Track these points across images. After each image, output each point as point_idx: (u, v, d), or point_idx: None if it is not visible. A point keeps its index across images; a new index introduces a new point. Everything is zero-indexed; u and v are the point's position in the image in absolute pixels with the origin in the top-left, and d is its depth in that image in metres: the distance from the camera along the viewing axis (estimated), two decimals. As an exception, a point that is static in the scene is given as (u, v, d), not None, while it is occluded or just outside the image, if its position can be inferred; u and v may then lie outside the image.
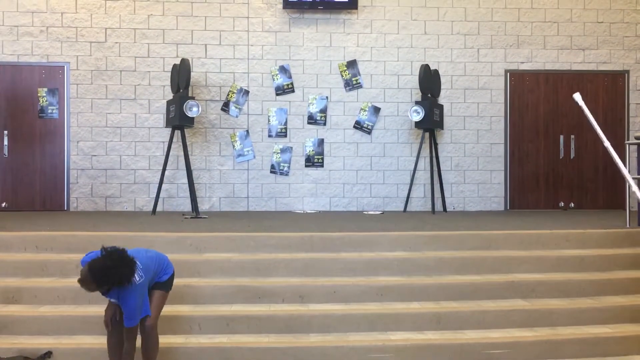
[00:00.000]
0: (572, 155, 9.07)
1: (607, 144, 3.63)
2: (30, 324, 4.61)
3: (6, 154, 8.43)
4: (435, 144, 8.61)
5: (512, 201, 9.10)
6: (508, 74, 9.08)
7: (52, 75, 8.59)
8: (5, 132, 8.43)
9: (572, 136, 9.05)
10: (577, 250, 5.65)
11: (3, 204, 8.44)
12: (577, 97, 3.62)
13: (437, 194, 8.66)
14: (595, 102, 9.12)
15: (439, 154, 8.77)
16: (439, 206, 8.63)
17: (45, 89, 8.58)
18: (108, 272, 3.62)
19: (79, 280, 3.68)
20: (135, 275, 3.75)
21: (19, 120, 8.53)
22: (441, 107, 8.63)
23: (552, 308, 4.94)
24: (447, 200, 8.80)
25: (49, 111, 8.60)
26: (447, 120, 8.89)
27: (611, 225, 6.39)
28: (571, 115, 9.07)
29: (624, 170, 3.52)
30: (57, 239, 5.48)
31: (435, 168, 8.61)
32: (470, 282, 5.26)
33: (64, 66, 8.59)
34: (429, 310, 4.94)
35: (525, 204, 9.05)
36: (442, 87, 8.81)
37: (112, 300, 3.90)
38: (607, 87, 9.16)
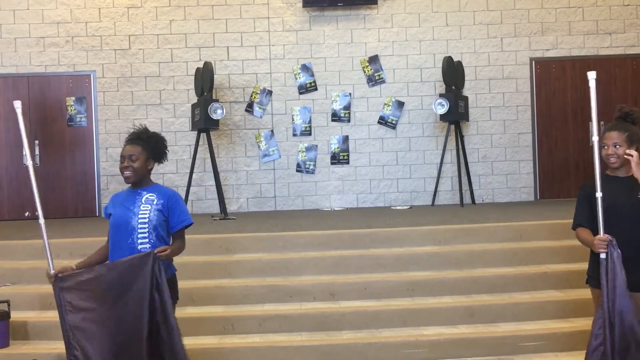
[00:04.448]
0: (602, 141, 8.90)
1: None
2: (67, 329, 4.70)
3: (38, 163, 8.60)
4: (461, 136, 8.53)
5: (542, 191, 8.97)
6: (533, 62, 8.94)
7: (79, 84, 8.74)
8: (37, 141, 8.60)
9: (602, 122, 8.85)
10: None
11: (36, 212, 8.60)
12: (591, 75, 3.51)
13: (465, 187, 8.57)
14: (623, 87, 8.93)
15: (465, 146, 8.68)
16: (467, 199, 8.55)
17: (73, 98, 8.73)
18: (157, 135, 3.66)
19: (128, 139, 3.59)
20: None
21: (49, 130, 8.70)
22: (466, 98, 8.54)
23: (588, 298, 4.84)
24: (475, 193, 8.71)
25: (78, 119, 8.75)
26: (472, 112, 8.80)
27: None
28: (600, 102, 8.80)
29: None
30: (90, 245, 5.53)
31: (462, 160, 8.53)
32: (502, 275, 5.21)
33: (90, 75, 8.74)
34: (461, 304, 4.91)
35: (555, 193, 8.91)
36: (466, 78, 8.72)
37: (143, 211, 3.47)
38: (635, 72, 8.95)
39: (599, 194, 3.39)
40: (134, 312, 3.33)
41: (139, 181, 3.56)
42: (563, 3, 8.91)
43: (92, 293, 3.35)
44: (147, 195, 3.54)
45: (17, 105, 3.61)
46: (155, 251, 3.36)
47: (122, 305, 3.34)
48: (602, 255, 3.33)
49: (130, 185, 3.62)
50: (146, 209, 3.48)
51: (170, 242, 3.57)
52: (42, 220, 3.51)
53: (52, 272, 3.38)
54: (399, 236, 5.74)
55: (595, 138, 3.46)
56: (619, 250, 3.29)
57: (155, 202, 3.51)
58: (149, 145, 3.58)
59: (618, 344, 3.26)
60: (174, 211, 3.54)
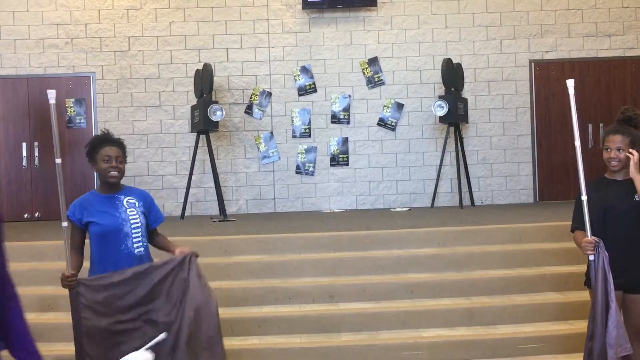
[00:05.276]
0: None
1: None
2: (67, 331, 4.65)
3: (37, 164, 8.60)
4: (461, 138, 8.53)
5: (542, 193, 8.97)
6: (532, 64, 8.95)
7: (79, 86, 8.74)
8: (36, 143, 8.60)
9: (601, 125, 8.88)
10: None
11: (36, 214, 8.61)
12: (570, 83, 3.53)
13: (465, 189, 8.58)
14: (623, 89, 8.94)
15: (465, 148, 8.68)
16: (466, 201, 8.55)
17: (73, 100, 8.73)
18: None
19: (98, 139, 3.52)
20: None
21: (49, 131, 8.68)
22: (465, 100, 8.55)
23: (587, 300, 4.84)
24: (474, 195, 8.71)
25: (77, 121, 8.75)
26: (471, 114, 8.80)
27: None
28: (599, 104, 8.90)
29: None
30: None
31: (461, 162, 8.54)
32: (502, 277, 5.21)
33: (89, 76, 8.74)
34: (461, 306, 4.91)
35: (555, 195, 8.91)
36: (465, 80, 8.72)
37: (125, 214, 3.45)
38: (635, 74, 8.96)
39: (584, 197, 3.43)
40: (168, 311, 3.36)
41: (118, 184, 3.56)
42: (562, 5, 8.93)
43: (115, 297, 3.32)
44: (126, 199, 3.50)
45: (52, 95, 3.46)
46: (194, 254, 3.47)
47: (149, 309, 3.34)
48: (591, 257, 3.36)
49: (98, 189, 3.59)
50: (133, 213, 3.47)
51: (148, 241, 3.62)
52: (65, 224, 3.39)
53: (71, 271, 3.32)
54: (398, 238, 5.75)
55: (577, 143, 3.47)
56: (606, 253, 3.31)
57: (137, 205, 3.51)
58: (123, 148, 3.60)
59: (613, 344, 3.27)
60: (151, 210, 3.61)
